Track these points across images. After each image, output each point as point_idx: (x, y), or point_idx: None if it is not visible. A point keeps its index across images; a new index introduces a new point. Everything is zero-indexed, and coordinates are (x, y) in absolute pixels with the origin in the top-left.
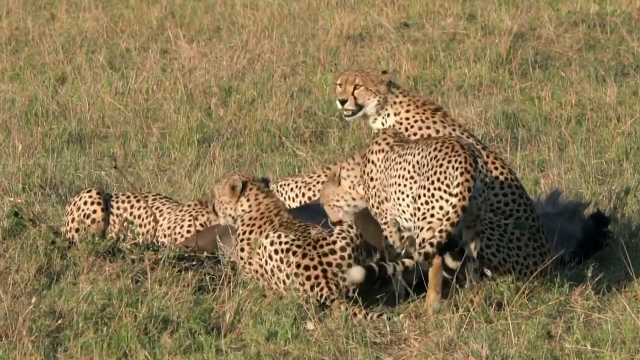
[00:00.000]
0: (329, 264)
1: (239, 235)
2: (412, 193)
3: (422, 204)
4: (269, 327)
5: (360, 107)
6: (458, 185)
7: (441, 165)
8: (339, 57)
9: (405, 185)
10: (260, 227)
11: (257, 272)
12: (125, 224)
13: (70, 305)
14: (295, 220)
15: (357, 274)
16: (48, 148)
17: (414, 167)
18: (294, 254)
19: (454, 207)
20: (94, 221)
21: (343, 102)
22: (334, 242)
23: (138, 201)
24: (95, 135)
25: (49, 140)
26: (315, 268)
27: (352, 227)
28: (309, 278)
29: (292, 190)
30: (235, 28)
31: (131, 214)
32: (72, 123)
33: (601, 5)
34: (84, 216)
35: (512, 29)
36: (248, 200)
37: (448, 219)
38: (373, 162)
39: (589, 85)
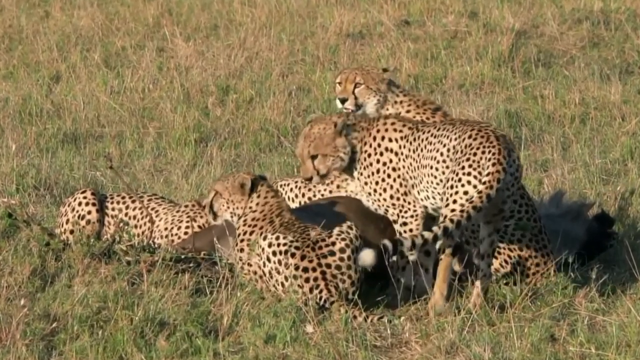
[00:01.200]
0: (328, 266)
1: (239, 235)
2: (444, 176)
3: (447, 188)
4: (267, 329)
5: (359, 106)
6: (488, 174)
7: (474, 154)
8: (338, 55)
9: (437, 169)
10: (261, 227)
11: (255, 273)
12: (121, 224)
13: (64, 308)
14: (296, 221)
15: (367, 256)
16: (42, 148)
17: (448, 150)
18: (292, 255)
19: (480, 192)
20: (88, 222)
21: (343, 101)
22: (333, 244)
23: (133, 201)
24: (90, 135)
25: (43, 140)
26: (314, 270)
27: (351, 228)
28: (307, 280)
29: (291, 190)
30: (233, 25)
31: (126, 214)
32: (66, 122)
33: (605, 2)
34: (79, 217)
35: (514, 26)
36: (258, 197)
37: (471, 202)
38: (392, 151)
39: (593, 83)
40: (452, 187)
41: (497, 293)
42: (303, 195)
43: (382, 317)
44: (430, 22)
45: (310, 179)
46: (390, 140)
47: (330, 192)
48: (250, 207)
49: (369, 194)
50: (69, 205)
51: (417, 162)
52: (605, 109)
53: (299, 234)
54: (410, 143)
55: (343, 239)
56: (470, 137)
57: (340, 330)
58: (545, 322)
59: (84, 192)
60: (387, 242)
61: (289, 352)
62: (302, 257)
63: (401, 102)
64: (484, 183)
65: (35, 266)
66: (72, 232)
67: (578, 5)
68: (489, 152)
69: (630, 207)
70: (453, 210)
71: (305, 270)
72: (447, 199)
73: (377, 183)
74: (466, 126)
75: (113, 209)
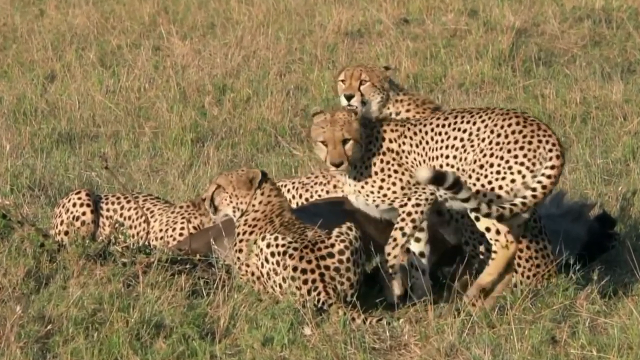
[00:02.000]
0: (327, 268)
1: (238, 234)
2: (461, 163)
3: (490, 173)
4: (264, 332)
5: (364, 103)
6: (552, 168)
7: (530, 142)
8: (337, 53)
9: (455, 157)
10: (261, 227)
11: (253, 274)
12: (116, 225)
13: (59, 310)
14: (296, 221)
15: (424, 173)
16: (37, 148)
17: (470, 134)
18: (291, 256)
19: (544, 187)
20: (83, 223)
21: (349, 98)
22: (332, 245)
23: (128, 202)
24: (85, 135)
25: (38, 140)
26: (313, 271)
27: (351, 229)
28: (305, 281)
29: (288, 191)
30: (230, 24)
31: (121, 215)
32: (61, 122)
33: (606, 0)
34: (73, 218)
35: (515, 25)
36: (262, 194)
37: (534, 196)
38: (393, 150)
39: (594, 82)
40: (497, 172)
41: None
42: (300, 196)
43: (381, 319)
44: (429, 20)
45: (339, 165)
46: (390, 141)
47: (328, 192)
48: (253, 205)
49: (371, 192)
50: (63, 206)
51: (422, 156)
52: (607, 108)
53: (299, 234)
54: (411, 138)
55: (342, 241)
56: (518, 123)
57: (339, 332)
58: (546, 324)
59: (78, 192)
60: (449, 172)
61: (287, 354)
62: (301, 258)
63: (401, 100)
64: (548, 177)
65: (30, 267)
66: (66, 233)
67: (579, 3)
68: (547, 142)
69: (632, 207)
70: (514, 204)
71: (304, 271)
72: (491, 181)
73: (382, 180)
74: (498, 110)
75: (108, 210)
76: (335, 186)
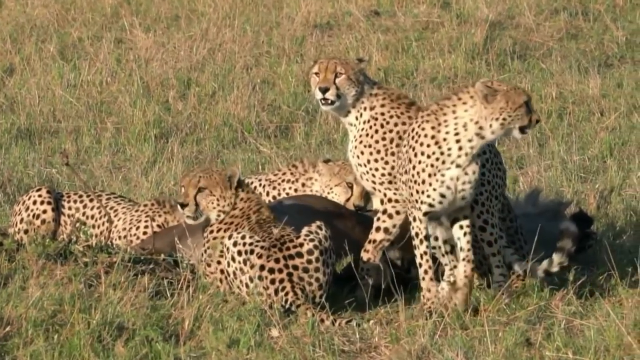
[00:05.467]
0: (295, 267)
1: (212, 231)
2: None
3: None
4: (230, 333)
5: (339, 97)
6: None
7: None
8: (305, 46)
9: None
10: (237, 224)
11: (222, 272)
12: (77, 224)
13: (18, 311)
14: (273, 220)
15: None
16: None
17: None
18: (258, 255)
19: None
20: (43, 221)
21: (324, 90)
22: (301, 244)
23: (91, 200)
24: (45, 130)
25: None
26: (280, 271)
27: (320, 228)
28: (273, 281)
29: (255, 188)
30: (195, 16)
31: (83, 214)
32: (20, 117)
33: None
34: (33, 216)
35: (489, 17)
36: (243, 191)
37: None
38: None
39: (571, 76)
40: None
41: (471, 295)
42: (267, 194)
43: (351, 320)
44: (400, 12)
45: None
46: None
47: (296, 190)
48: (235, 204)
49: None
50: (23, 204)
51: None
52: (584, 103)
53: (267, 233)
54: None
55: (312, 240)
56: None
57: (307, 334)
58: (520, 326)
59: (39, 190)
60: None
61: (253, 357)
62: (268, 258)
63: (376, 94)
64: None
65: None
66: (26, 231)
67: None
68: None
69: (610, 205)
70: None
71: (271, 271)
72: None
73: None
74: None
75: (70, 208)
76: (303, 184)
